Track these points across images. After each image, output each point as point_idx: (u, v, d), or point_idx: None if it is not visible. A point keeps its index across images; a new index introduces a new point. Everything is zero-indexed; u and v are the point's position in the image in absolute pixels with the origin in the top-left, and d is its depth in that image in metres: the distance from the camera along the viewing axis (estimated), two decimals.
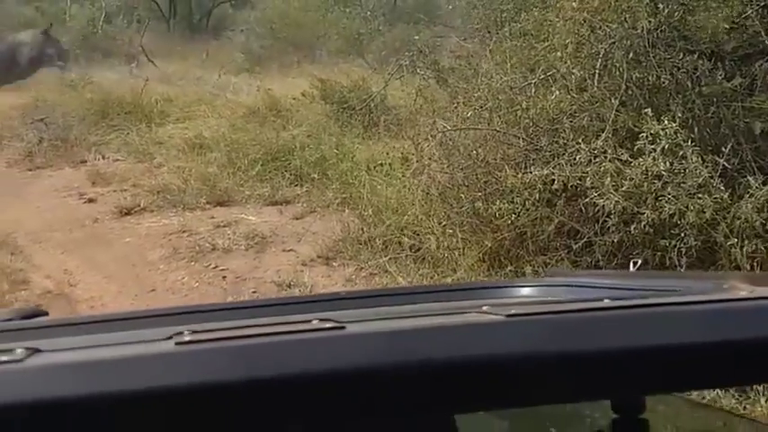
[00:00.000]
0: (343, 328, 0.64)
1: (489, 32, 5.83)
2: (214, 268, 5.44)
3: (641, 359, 0.65)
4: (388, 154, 6.23)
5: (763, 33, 4.16)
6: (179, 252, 5.72)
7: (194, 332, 0.63)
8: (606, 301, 0.75)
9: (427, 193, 4.98)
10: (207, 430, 0.58)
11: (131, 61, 12.23)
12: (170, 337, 0.62)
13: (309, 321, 0.66)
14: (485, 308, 0.72)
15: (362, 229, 5.47)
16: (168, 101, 9.74)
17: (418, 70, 7.01)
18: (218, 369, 0.58)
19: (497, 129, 4.69)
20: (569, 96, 4.35)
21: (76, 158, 8.48)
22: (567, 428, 1.07)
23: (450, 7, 7.19)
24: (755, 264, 3.45)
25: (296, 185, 6.93)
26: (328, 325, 0.64)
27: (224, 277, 5.30)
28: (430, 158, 5.13)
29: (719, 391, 3.09)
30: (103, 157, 8.28)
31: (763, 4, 4.20)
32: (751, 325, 0.69)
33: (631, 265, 1.37)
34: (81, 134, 8.96)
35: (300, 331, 0.63)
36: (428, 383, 0.60)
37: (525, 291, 1.21)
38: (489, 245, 4.32)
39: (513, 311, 0.67)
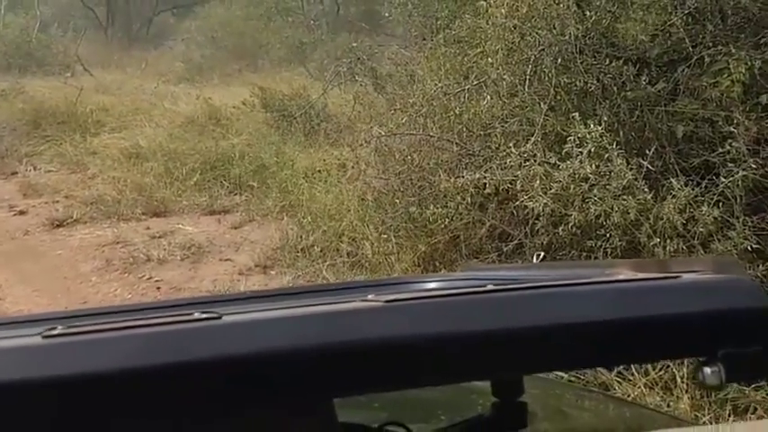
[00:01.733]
0: (219, 318, 0.63)
1: (425, 39, 5.89)
2: (148, 279, 5.33)
3: (512, 340, 0.65)
4: (325, 161, 6.22)
5: (686, 40, 4.29)
6: (112, 264, 5.59)
7: (68, 327, 0.62)
8: (489, 286, 0.76)
9: (362, 199, 4.99)
10: (73, 421, 0.57)
11: (66, 71, 11.94)
12: (40, 333, 0.61)
13: (191, 314, 0.65)
14: (370, 296, 0.72)
15: (301, 236, 5.43)
16: (104, 110, 9.55)
17: (356, 77, 7.03)
18: (81, 360, 0.57)
19: (431, 134, 4.73)
20: (500, 102, 4.41)
21: (7, 170, 8.24)
22: (450, 412, 1.08)
23: (387, 14, 7.24)
24: None
25: (235, 194, 6.86)
26: (205, 316, 0.64)
27: (158, 288, 5.20)
28: (366, 164, 5.14)
29: (644, 388, 3.16)
30: (35, 169, 8.07)
31: (686, 12, 4.33)
32: (619, 305, 0.70)
33: (534, 257, 1.39)
34: (12, 145, 8.72)
35: (176, 322, 0.63)
36: (299, 369, 0.60)
37: (431, 284, 1.20)
38: (423, 249, 4.34)
39: (391, 298, 0.67)
